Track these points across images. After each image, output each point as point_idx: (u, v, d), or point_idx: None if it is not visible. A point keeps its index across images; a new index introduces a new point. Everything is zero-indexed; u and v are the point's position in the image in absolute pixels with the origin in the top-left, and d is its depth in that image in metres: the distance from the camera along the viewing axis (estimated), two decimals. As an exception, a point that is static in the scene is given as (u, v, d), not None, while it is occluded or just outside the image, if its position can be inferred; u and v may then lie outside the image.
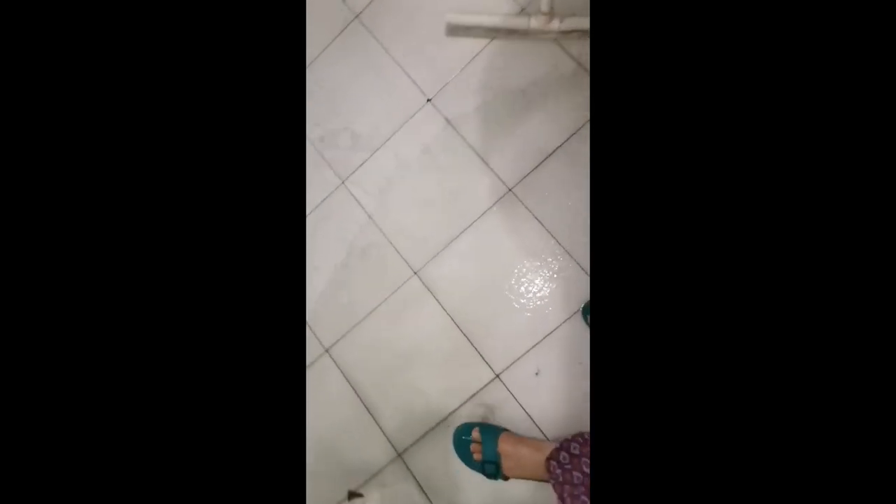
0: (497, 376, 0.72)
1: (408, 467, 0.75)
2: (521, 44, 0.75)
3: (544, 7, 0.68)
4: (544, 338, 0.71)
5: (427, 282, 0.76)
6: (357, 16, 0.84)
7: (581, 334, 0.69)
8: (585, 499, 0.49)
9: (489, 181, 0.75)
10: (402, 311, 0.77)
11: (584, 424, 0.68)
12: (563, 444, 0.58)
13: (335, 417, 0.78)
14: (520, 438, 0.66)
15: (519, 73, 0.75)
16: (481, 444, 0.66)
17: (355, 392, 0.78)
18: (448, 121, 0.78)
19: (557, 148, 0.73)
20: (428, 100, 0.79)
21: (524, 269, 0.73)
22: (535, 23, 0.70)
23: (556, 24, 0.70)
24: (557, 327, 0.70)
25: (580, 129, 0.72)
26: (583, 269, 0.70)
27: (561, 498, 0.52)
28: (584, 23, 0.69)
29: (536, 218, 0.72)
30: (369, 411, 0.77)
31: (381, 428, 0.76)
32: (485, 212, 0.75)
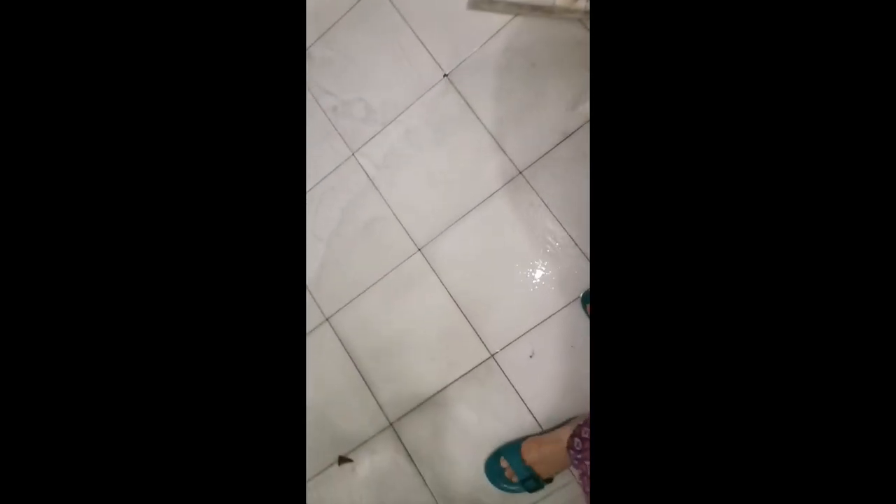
0: (492, 356, 0.73)
1: (398, 436, 0.77)
2: (544, 22, 0.73)
3: (571, -15, 0.66)
4: (542, 322, 0.71)
5: (430, 259, 0.77)
6: (379, -17, 0.82)
7: (579, 321, 0.70)
8: None
9: (500, 162, 0.74)
10: (403, 286, 0.78)
11: (574, 408, 0.69)
12: (576, 430, 0.58)
13: (331, 384, 0.80)
14: (538, 441, 0.65)
15: (540, 52, 0.73)
16: (511, 468, 0.66)
17: (352, 361, 0.80)
18: (463, 97, 0.76)
19: (572, 133, 0.71)
20: (445, 75, 0.77)
21: (527, 253, 0.73)
22: (560, 0, 0.68)
23: (581, 4, 0.68)
24: (556, 312, 0.71)
25: (597, 115, 0.71)
26: (586, 256, 0.70)
27: (584, 475, 0.53)
28: (611, 4, 0.67)
29: (544, 202, 0.72)
30: (364, 380, 0.79)
31: (374, 397, 0.78)
32: (493, 193, 0.74)
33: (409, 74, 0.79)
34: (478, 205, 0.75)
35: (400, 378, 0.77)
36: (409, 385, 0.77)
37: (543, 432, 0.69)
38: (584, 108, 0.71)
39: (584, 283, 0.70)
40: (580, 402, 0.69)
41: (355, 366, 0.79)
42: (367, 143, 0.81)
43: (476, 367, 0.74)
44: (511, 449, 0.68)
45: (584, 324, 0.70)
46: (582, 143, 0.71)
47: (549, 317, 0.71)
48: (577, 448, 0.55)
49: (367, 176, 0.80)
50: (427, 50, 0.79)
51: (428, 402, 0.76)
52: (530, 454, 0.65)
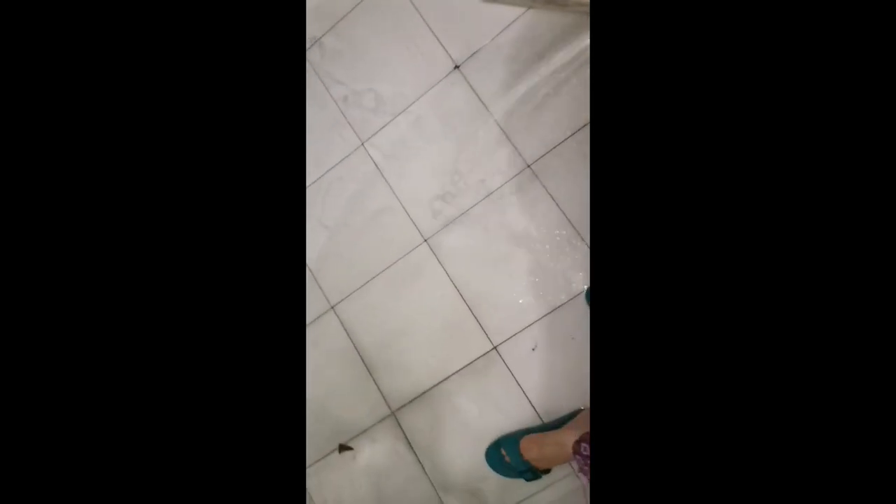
0: (494, 348, 0.73)
1: (399, 425, 0.77)
2: (558, 16, 0.73)
3: (586, -21, 0.66)
4: (545, 315, 0.71)
5: (436, 250, 0.77)
6: (392, -27, 0.82)
7: (582, 315, 0.70)
8: None
9: (508, 155, 0.74)
10: (408, 277, 0.78)
11: (575, 402, 0.69)
12: (583, 437, 0.58)
13: (334, 372, 0.81)
14: (539, 442, 0.65)
15: (552, 46, 0.73)
16: (510, 460, 0.67)
17: (356, 349, 0.80)
18: (473, 89, 0.77)
19: (581, 128, 0.72)
20: (456, 66, 0.78)
21: (534, 246, 0.73)
22: (574, -5, 0.68)
23: (595, -2, 0.67)
24: (560, 306, 0.71)
25: (607, 110, 0.71)
26: (592, 252, 0.70)
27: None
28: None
29: (552, 196, 0.72)
30: (367, 369, 0.79)
31: (377, 385, 0.79)
32: (500, 185, 0.74)
33: (419, 65, 0.79)
34: (485, 197, 0.75)
35: (402, 367, 0.78)
36: (412, 375, 0.77)
37: (544, 426, 0.69)
38: (595, 103, 0.71)
39: (588, 277, 0.70)
40: (581, 395, 0.69)
41: (359, 354, 0.80)
42: (376, 133, 0.81)
43: (478, 358, 0.74)
44: (510, 442, 0.68)
45: (587, 318, 0.70)
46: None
47: (553, 310, 0.71)
48: (585, 453, 0.55)
49: (376, 166, 0.81)
50: (439, 41, 0.79)
51: (429, 393, 0.76)
52: (530, 452, 0.65)
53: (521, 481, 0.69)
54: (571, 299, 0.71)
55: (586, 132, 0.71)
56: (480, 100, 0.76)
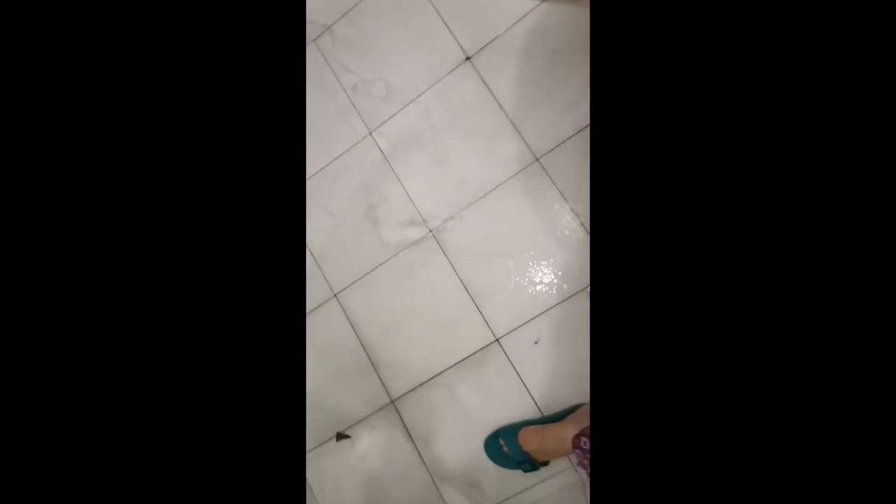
0: (497, 340, 0.73)
1: (399, 414, 0.78)
2: (570, 9, 0.73)
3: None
4: (549, 308, 0.71)
5: (441, 240, 0.77)
6: (406, -38, 0.82)
7: (587, 310, 0.70)
8: None
9: (517, 148, 0.74)
10: (413, 266, 0.78)
11: (576, 396, 0.69)
12: (583, 431, 0.58)
13: (335, 359, 0.81)
14: (539, 434, 0.66)
15: (565, 39, 0.73)
16: (509, 451, 0.68)
17: (357, 337, 0.80)
18: (484, 81, 0.76)
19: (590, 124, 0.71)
20: (467, 58, 0.77)
21: (539, 240, 0.73)
22: (588, -12, 0.68)
23: (609, -7, 0.67)
24: (564, 300, 0.71)
25: (617, 106, 0.71)
26: (598, 247, 0.70)
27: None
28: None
29: (559, 190, 0.72)
30: (369, 357, 0.80)
31: (377, 374, 0.79)
32: (508, 178, 0.74)
33: (430, 56, 0.79)
34: (492, 189, 0.75)
35: (404, 356, 0.78)
36: (413, 364, 0.77)
37: (544, 419, 0.70)
38: (605, 99, 0.71)
39: (593, 272, 0.70)
40: (582, 390, 0.69)
41: (360, 342, 0.80)
42: (385, 122, 0.81)
43: (480, 350, 0.74)
44: (509, 433, 0.68)
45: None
46: (600, 134, 0.71)
47: (557, 304, 0.71)
48: (585, 447, 0.55)
49: (383, 155, 0.81)
50: (450, 32, 0.79)
51: (430, 383, 0.76)
52: (529, 444, 0.65)
53: (519, 473, 0.69)
54: (577, 293, 0.71)
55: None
56: (491, 92, 0.76)
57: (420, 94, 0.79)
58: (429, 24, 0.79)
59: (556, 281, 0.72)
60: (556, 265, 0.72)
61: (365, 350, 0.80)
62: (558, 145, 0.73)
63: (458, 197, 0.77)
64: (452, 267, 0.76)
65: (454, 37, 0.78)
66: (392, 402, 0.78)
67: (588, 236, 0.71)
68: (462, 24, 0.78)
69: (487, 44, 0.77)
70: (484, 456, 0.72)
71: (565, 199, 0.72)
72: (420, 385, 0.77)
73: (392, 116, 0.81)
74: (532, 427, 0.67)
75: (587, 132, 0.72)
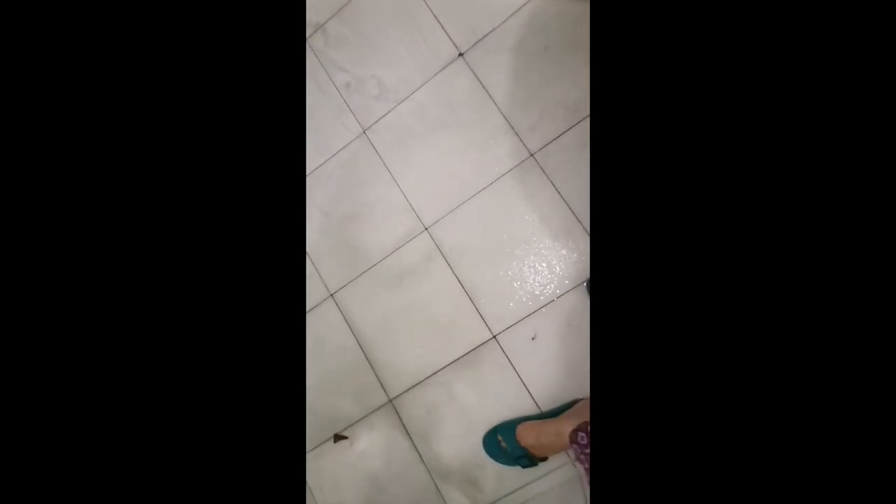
0: (494, 337, 0.73)
1: (397, 413, 0.78)
2: (564, 4, 0.73)
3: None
4: (545, 304, 0.71)
5: (436, 238, 0.77)
6: (397, -41, 0.81)
7: (583, 305, 0.70)
8: None
9: (511, 144, 0.74)
10: (408, 265, 0.78)
11: (573, 391, 0.69)
12: (581, 426, 0.58)
13: (333, 359, 0.81)
14: (536, 429, 0.65)
15: (558, 35, 0.73)
16: (507, 446, 0.68)
17: (354, 336, 0.80)
18: (478, 78, 0.76)
19: (584, 118, 0.71)
20: (460, 54, 0.77)
21: (535, 236, 0.73)
22: (580, -17, 0.68)
23: (601, -13, 0.67)
24: (561, 296, 0.71)
25: (611, 100, 0.70)
26: (593, 242, 0.70)
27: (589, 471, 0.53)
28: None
29: (554, 186, 0.72)
30: (366, 356, 0.79)
31: (375, 373, 0.79)
32: (503, 174, 0.74)
33: (424, 53, 0.79)
34: (487, 186, 0.75)
35: (401, 355, 0.78)
36: (410, 362, 0.77)
37: (541, 414, 0.70)
38: (599, 93, 0.71)
39: (589, 266, 0.70)
40: (579, 385, 0.69)
41: (357, 341, 0.80)
42: (378, 120, 0.81)
43: (478, 347, 0.74)
44: (507, 429, 0.68)
45: (587, 308, 0.70)
46: (594, 128, 0.71)
47: (554, 300, 0.71)
48: (583, 442, 0.55)
49: (378, 153, 0.81)
50: (443, 28, 0.78)
51: (428, 381, 0.76)
52: (526, 439, 0.65)
53: (517, 469, 0.69)
54: (572, 289, 0.71)
55: (589, 122, 0.71)
56: (484, 88, 0.76)
57: (413, 92, 0.79)
58: (421, 21, 0.79)
59: (551, 277, 0.72)
60: (552, 261, 0.72)
61: (362, 349, 0.80)
62: (552, 140, 0.72)
63: (453, 194, 0.76)
64: (448, 264, 0.76)
65: (447, 33, 0.78)
66: (390, 400, 0.78)
67: (582, 230, 0.71)
68: (454, 20, 0.78)
69: (480, 40, 0.76)
70: (482, 453, 0.72)
71: (560, 194, 0.72)
72: (418, 383, 0.77)
73: (386, 114, 0.80)
74: (529, 422, 0.67)
75: (581, 127, 0.71)
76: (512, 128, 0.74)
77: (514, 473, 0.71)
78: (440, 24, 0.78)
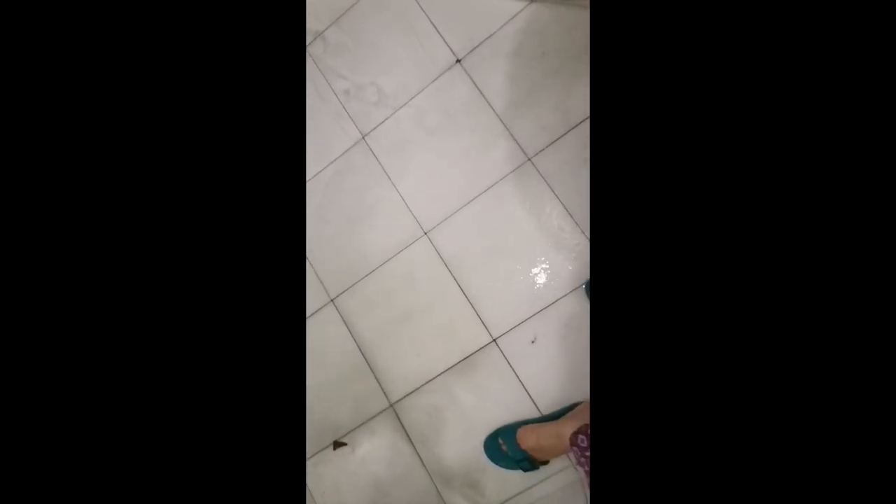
0: (494, 340, 0.74)
1: (398, 417, 0.78)
2: (560, 10, 0.73)
3: (587, -27, 0.66)
4: (545, 308, 0.72)
5: (435, 242, 0.77)
6: (395, -32, 0.82)
7: (582, 308, 0.70)
8: None
9: (509, 148, 0.75)
10: (408, 269, 0.78)
11: (573, 395, 0.69)
12: (581, 428, 0.58)
13: (333, 364, 0.81)
14: (536, 431, 0.66)
15: (554, 40, 0.74)
16: (508, 449, 0.68)
17: (355, 342, 0.80)
18: (475, 83, 0.77)
19: (582, 121, 0.72)
20: (457, 60, 0.78)
21: (533, 239, 0.73)
22: (575, -11, 0.68)
23: (596, -7, 0.68)
24: (559, 299, 0.71)
25: (607, 104, 0.71)
26: (592, 245, 0.71)
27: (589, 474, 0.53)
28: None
29: (552, 190, 0.72)
30: (367, 361, 0.80)
31: (376, 378, 0.79)
32: (501, 179, 0.75)
33: (421, 59, 0.80)
34: (485, 190, 0.75)
35: (402, 360, 0.78)
36: (411, 367, 0.77)
37: (542, 418, 0.70)
38: (595, 98, 0.71)
39: (588, 270, 0.70)
40: (580, 388, 0.69)
41: (358, 346, 0.80)
42: (377, 126, 0.81)
43: (477, 350, 0.74)
44: (508, 432, 0.68)
45: (587, 311, 0.70)
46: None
47: (553, 303, 0.71)
48: (583, 445, 0.55)
49: (377, 159, 0.81)
50: (440, 35, 0.79)
51: (428, 385, 0.76)
52: (527, 442, 0.65)
53: (519, 473, 0.69)
54: (571, 292, 0.71)
55: (586, 126, 0.72)
56: (482, 93, 0.77)
57: (412, 98, 0.80)
58: (419, 28, 0.80)
59: (550, 280, 0.72)
60: (550, 264, 0.72)
61: (363, 354, 0.80)
62: (550, 144, 0.73)
63: (452, 199, 0.77)
64: (448, 268, 0.76)
65: (444, 40, 0.79)
66: (391, 405, 0.78)
67: (580, 233, 0.71)
68: (452, 26, 0.79)
69: (477, 46, 0.77)
70: (484, 456, 0.72)
71: (557, 198, 0.72)
72: (419, 388, 0.77)
73: (384, 120, 0.81)
74: (530, 426, 0.67)
75: (578, 131, 0.72)
76: (509, 132, 0.75)
77: (516, 477, 0.71)
78: (437, 30, 0.79)
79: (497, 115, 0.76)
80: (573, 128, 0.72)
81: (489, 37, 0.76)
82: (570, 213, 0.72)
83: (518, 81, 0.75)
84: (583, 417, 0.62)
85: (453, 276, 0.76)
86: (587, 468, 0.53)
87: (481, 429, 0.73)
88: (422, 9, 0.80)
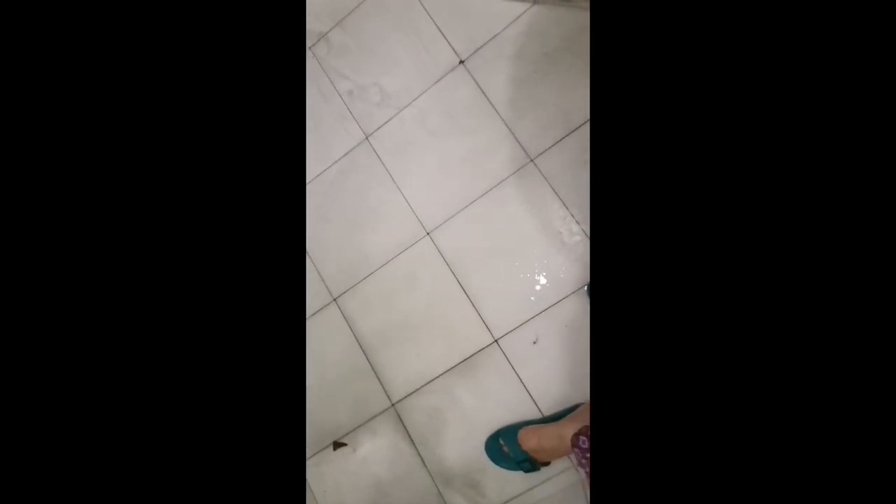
0: (495, 341, 0.74)
1: (399, 417, 0.78)
2: (563, 12, 0.74)
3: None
4: (546, 309, 0.72)
5: (438, 243, 0.77)
6: (399, -31, 0.83)
7: (584, 309, 0.70)
8: None
9: (511, 149, 0.75)
10: (410, 270, 0.78)
11: (574, 396, 0.69)
12: (582, 430, 0.58)
13: (335, 363, 0.81)
14: (537, 432, 0.65)
15: (558, 42, 0.74)
16: (509, 450, 0.68)
17: (357, 341, 0.81)
18: (478, 84, 0.77)
19: (584, 123, 0.72)
20: (461, 61, 0.78)
21: (535, 240, 0.73)
22: (578, -9, 0.69)
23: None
24: (561, 300, 0.71)
25: (610, 106, 0.71)
26: (594, 246, 0.71)
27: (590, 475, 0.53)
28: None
29: (554, 191, 0.72)
30: (368, 361, 0.80)
31: (378, 377, 0.79)
32: (504, 179, 0.75)
33: (425, 60, 0.80)
34: (488, 191, 0.76)
35: (404, 360, 0.78)
36: (412, 367, 0.77)
37: (543, 419, 0.69)
38: (598, 99, 0.71)
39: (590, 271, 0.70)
40: (581, 389, 0.69)
41: (360, 346, 0.80)
42: (380, 127, 0.82)
43: (479, 351, 0.74)
44: (509, 433, 0.68)
45: (588, 312, 0.70)
46: (594, 134, 0.71)
47: (554, 304, 0.71)
48: (584, 446, 0.55)
49: (380, 160, 0.81)
50: (444, 36, 0.79)
51: (430, 385, 0.76)
52: (528, 442, 0.65)
53: (520, 474, 0.69)
54: (573, 293, 0.71)
55: (588, 127, 0.72)
56: (485, 94, 0.77)
57: (415, 99, 0.80)
58: (422, 29, 0.80)
59: (552, 281, 0.72)
60: (552, 265, 0.72)
61: (364, 353, 0.80)
62: (552, 145, 0.73)
63: (454, 199, 0.77)
64: (450, 269, 0.77)
65: (447, 41, 0.79)
66: (392, 405, 0.78)
67: (583, 235, 0.71)
68: (455, 28, 0.79)
69: (480, 47, 0.77)
70: (485, 457, 0.72)
71: (560, 199, 0.72)
72: (420, 388, 0.77)
73: (388, 121, 0.81)
74: (531, 426, 0.67)
75: (580, 132, 0.72)
76: (512, 133, 0.75)
77: (517, 478, 0.70)
78: (441, 32, 0.80)
79: (500, 116, 0.76)
80: (576, 129, 0.72)
81: (492, 38, 0.77)
82: (572, 215, 0.72)
83: (521, 83, 0.75)
84: (584, 419, 0.61)
85: (455, 277, 0.76)
86: (588, 469, 0.53)
87: (482, 429, 0.73)
88: (425, 9, 0.81)
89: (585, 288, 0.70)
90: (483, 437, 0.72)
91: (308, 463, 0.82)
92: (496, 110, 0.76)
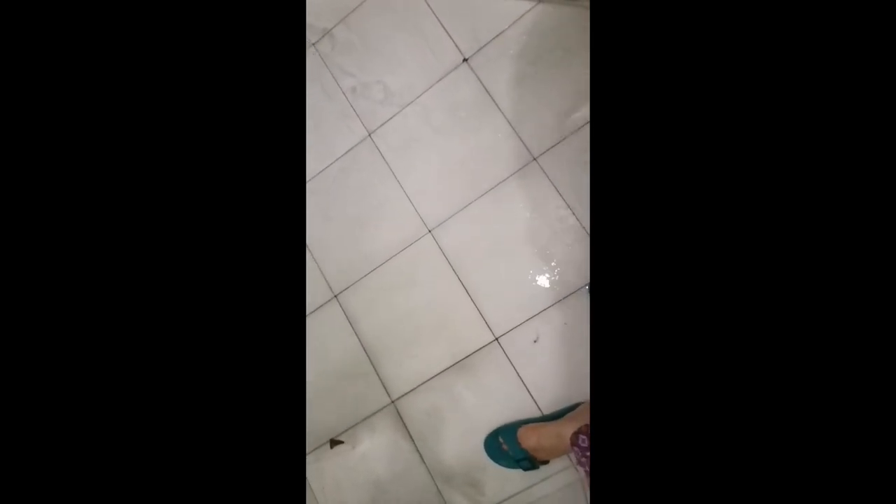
0: (496, 339, 0.74)
1: (399, 414, 0.78)
2: (567, 10, 0.74)
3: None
4: (548, 307, 0.72)
5: (440, 240, 0.77)
6: (404, -33, 0.83)
7: (585, 308, 0.70)
8: None
9: (514, 148, 0.75)
10: (412, 267, 0.78)
11: (574, 394, 0.69)
12: (582, 428, 0.58)
13: (335, 360, 0.81)
14: (537, 431, 0.66)
15: (562, 41, 0.74)
16: (508, 449, 0.68)
17: (357, 338, 0.81)
18: (482, 82, 0.77)
19: (587, 122, 0.72)
20: (464, 59, 0.78)
21: (537, 239, 0.73)
22: (583, -10, 0.69)
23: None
24: (563, 299, 0.71)
25: (614, 105, 0.71)
26: (596, 246, 0.71)
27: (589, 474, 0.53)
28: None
29: (557, 190, 0.72)
30: (369, 357, 0.80)
31: (377, 374, 0.79)
32: (506, 178, 0.75)
33: (428, 58, 0.80)
34: (490, 189, 0.76)
35: (404, 357, 0.78)
36: (413, 364, 0.78)
37: (543, 418, 0.70)
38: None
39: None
40: (582, 387, 0.69)
41: (360, 343, 0.80)
42: (383, 124, 0.82)
43: (480, 349, 0.74)
44: (508, 431, 0.68)
45: (588, 311, 0.70)
46: (597, 133, 0.71)
47: (556, 303, 0.71)
48: (583, 445, 0.55)
49: (382, 157, 0.81)
50: (448, 34, 0.79)
51: (430, 382, 0.77)
52: (528, 440, 0.65)
53: (519, 472, 0.69)
54: (575, 291, 0.71)
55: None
56: (488, 92, 0.77)
57: (418, 96, 0.80)
58: (427, 27, 0.80)
59: (553, 279, 0.72)
60: (554, 264, 0.72)
61: (365, 350, 0.80)
62: (555, 145, 0.73)
63: (456, 197, 0.77)
64: (451, 267, 0.77)
65: (451, 39, 0.79)
66: (392, 402, 0.78)
67: (585, 234, 0.71)
68: (459, 26, 0.79)
69: (484, 45, 0.77)
70: (484, 455, 0.72)
71: (562, 198, 0.72)
72: (420, 385, 0.77)
73: (391, 118, 0.81)
74: (531, 425, 0.67)
75: (583, 131, 0.72)
76: (515, 132, 0.75)
77: (516, 476, 0.70)
78: (445, 30, 0.80)
79: (503, 115, 0.76)
80: (579, 128, 0.72)
81: (496, 37, 0.77)
82: (574, 214, 0.72)
83: (524, 81, 0.75)
84: (584, 418, 0.62)
85: (456, 275, 0.76)
86: (588, 468, 0.53)
87: (482, 427, 0.73)
88: (429, 7, 0.81)
89: (587, 287, 0.70)
90: (482, 435, 0.72)
91: (307, 459, 0.82)
92: (499, 108, 0.76)
